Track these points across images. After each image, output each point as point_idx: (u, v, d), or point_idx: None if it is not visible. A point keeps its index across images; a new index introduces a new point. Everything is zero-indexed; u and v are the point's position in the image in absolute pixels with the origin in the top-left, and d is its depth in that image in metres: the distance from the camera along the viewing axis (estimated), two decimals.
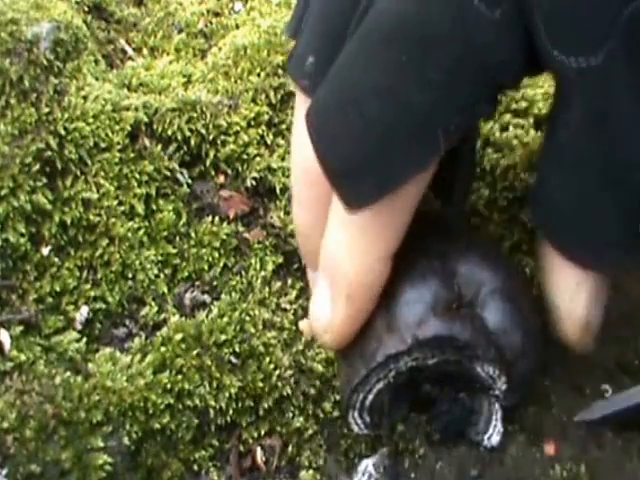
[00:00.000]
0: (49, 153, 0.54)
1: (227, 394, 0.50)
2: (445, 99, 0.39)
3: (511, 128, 0.59)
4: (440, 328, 0.44)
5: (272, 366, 0.51)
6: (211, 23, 0.69)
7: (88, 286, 0.54)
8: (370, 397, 0.45)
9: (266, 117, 0.60)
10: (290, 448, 0.51)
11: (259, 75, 0.62)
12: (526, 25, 0.38)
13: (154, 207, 0.56)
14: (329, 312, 0.45)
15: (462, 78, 0.38)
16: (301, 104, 0.45)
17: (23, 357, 0.50)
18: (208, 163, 0.59)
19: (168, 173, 0.57)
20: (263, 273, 0.56)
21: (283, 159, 0.58)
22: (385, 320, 0.45)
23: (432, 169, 0.41)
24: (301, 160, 0.46)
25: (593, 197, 0.40)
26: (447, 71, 0.38)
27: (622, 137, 0.38)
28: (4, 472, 0.45)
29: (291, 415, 0.51)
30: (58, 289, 0.53)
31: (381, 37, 0.39)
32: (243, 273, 0.56)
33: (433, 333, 0.44)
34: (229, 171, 0.59)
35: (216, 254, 0.56)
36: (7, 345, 0.50)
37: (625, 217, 0.40)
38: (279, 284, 0.55)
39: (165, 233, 0.56)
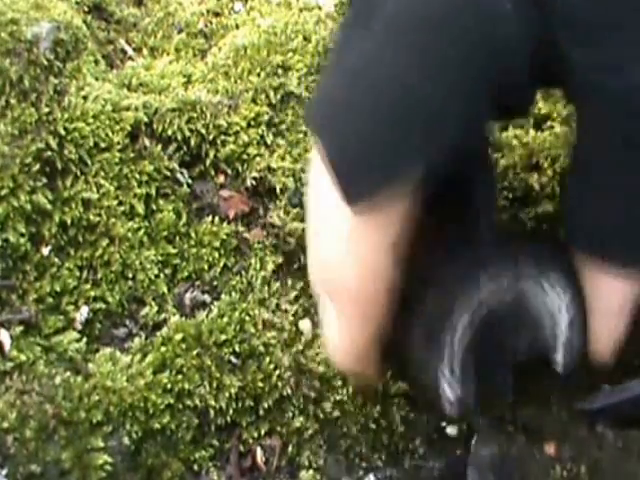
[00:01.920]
0: (49, 153, 0.54)
1: (227, 394, 0.50)
2: (453, 92, 0.38)
3: (511, 128, 0.59)
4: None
5: (272, 366, 0.51)
6: (211, 23, 0.69)
7: (88, 286, 0.54)
8: (457, 354, 0.42)
9: (266, 117, 0.60)
10: (290, 448, 0.51)
11: (259, 75, 0.62)
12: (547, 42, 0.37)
13: (154, 207, 0.56)
14: (336, 330, 0.42)
15: (475, 72, 0.38)
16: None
17: (23, 357, 0.50)
18: (208, 163, 0.59)
19: (168, 173, 0.57)
20: (263, 273, 0.56)
21: (283, 159, 0.58)
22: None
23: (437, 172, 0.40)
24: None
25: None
26: (461, 63, 0.37)
27: None
28: (4, 472, 0.45)
29: (291, 415, 0.51)
30: (58, 289, 0.53)
31: (396, 27, 0.38)
32: (243, 273, 0.56)
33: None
34: (229, 171, 0.59)
35: (216, 254, 0.56)
36: (7, 345, 0.50)
37: None
38: (279, 284, 0.55)
39: (165, 233, 0.56)
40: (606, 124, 0.38)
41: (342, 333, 0.42)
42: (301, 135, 0.60)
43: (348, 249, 0.40)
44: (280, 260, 0.56)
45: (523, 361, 0.44)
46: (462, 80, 0.38)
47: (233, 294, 0.54)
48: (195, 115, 0.58)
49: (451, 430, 0.51)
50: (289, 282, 0.55)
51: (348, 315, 0.41)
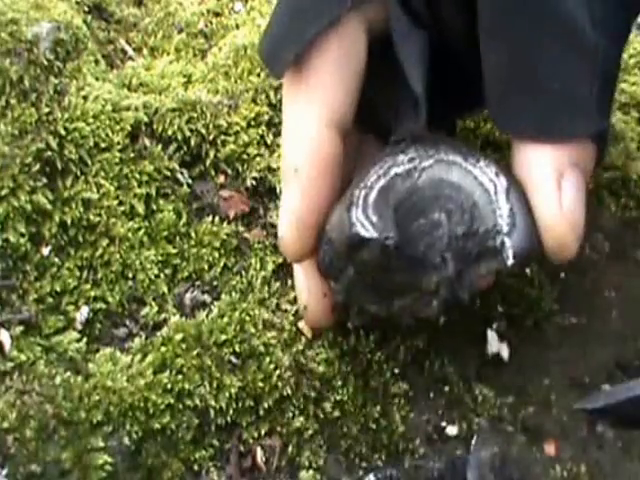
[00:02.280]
0: (49, 153, 0.54)
1: (227, 394, 0.50)
2: None
3: None
4: None
5: (272, 366, 0.51)
6: (211, 23, 0.69)
7: (88, 286, 0.54)
8: (373, 194, 0.45)
9: (266, 117, 0.60)
10: (290, 448, 0.51)
11: (259, 75, 0.62)
12: None
13: (154, 207, 0.56)
14: (284, 204, 0.47)
15: None
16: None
17: (23, 357, 0.50)
18: (208, 163, 0.59)
19: (168, 173, 0.57)
20: (263, 273, 0.56)
21: None
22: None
23: (348, 28, 0.46)
24: (307, 144, 0.47)
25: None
26: None
27: None
28: (4, 472, 0.45)
29: (291, 415, 0.51)
30: (58, 289, 0.53)
31: None
32: (243, 273, 0.56)
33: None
34: (229, 171, 0.59)
35: (216, 254, 0.56)
36: (7, 345, 0.50)
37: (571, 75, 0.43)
38: (279, 284, 0.56)
39: (165, 233, 0.56)
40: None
41: (287, 209, 0.47)
42: None
43: (295, 129, 0.47)
44: (280, 260, 0.56)
45: (466, 249, 0.44)
46: None
47: (233, 294, 0.54)
48: (195, 115, 0.58)
49: (451, 430, 0.51)
50: (289, 282, 0.55)
51: (293, 191, 0.46)
